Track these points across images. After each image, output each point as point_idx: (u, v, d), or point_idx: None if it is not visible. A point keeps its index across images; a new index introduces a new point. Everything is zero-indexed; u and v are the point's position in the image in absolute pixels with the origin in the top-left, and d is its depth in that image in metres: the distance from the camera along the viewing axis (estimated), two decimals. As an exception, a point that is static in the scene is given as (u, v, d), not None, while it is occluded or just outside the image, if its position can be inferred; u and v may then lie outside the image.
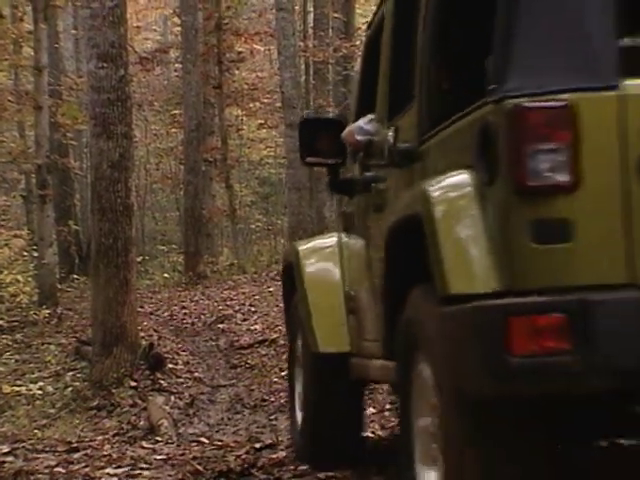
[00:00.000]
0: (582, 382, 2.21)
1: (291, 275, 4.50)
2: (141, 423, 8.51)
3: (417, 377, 2.86)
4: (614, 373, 2.17)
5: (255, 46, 22.74)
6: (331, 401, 4.13)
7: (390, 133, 3.38)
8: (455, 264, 2.38)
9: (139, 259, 18.44)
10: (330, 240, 4.52)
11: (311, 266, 4.36)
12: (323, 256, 4.43)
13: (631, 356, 2.14)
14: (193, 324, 13.53)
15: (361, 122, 3.94)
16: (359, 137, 3.86)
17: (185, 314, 14.26)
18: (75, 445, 5.11)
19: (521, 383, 2.22)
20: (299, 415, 4.52)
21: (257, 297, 14.72)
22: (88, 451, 4.85)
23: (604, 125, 2.24)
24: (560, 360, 2.15)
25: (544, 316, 2.16)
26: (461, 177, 2.49)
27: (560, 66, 2.25)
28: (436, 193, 2.51)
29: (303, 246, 4.58)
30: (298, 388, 4.66)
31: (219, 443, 4.97)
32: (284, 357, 7.82)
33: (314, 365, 4.22)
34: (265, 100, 24.02)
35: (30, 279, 17.16)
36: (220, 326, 13.05)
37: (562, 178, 2.24)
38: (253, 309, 13.85)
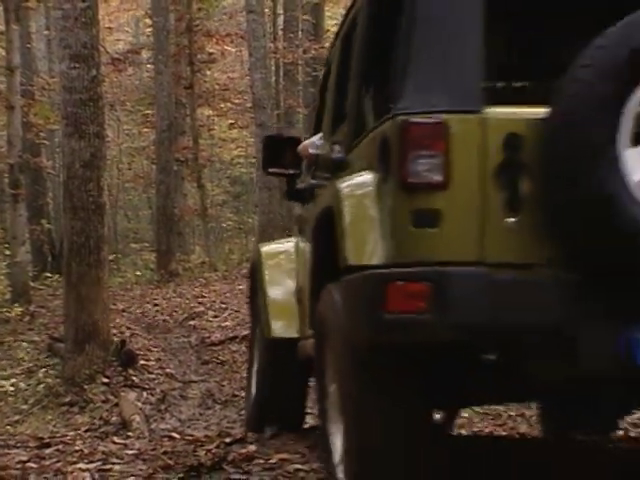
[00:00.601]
0: (437, 334, 2.78)
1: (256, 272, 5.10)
2: (113, 419, 8.48)
3: (329, 350, 3.39)
4: (460, 327, 2.75)
5: (226, 47, 22.70)
6: (280, 378, 4.75)
7: (330, 146, 3.91)
8: (354, 242, 3.00)
9: (112, 257, 18.37)
10: (289, 243, 5.07)
11: (270, 265, 4.96)
12: (281, 256, 4.98)
13: (475, 315, 2.72)
14: (165, 321, 13.49)
15: (315, 138, 4.44)
16: (312, 151, 4.35)
17: (157, 311, 14.21)
18: (47, 441, 5.07)
19: (393, 334, 2.82)
20: (253, 391, 5.16)
21: (228, 294, 14.70)
22: (60, 446, 4.80)
23: (469, 139, 2.82)
24: (421, 317, 2.74)
25: (412, 283, 2.75)
26: (365, 177, 3.08)
27: (440, 93, 2.85)
28: (345, 189, 3.12)
29: (266, 247, 5.26)
30: (254, 368, 5.25)
31: (190, 438, 4.94)
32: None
33: (268, 348, 4.84)
34: (236, 100, 23.98)
35: (3, 277, 17.05)
36: (192, 323, 13.02)
37: (436, 178, 2.79)
38: (224, 306, 13.84)
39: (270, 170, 4.88)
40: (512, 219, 2.81)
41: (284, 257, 4.95)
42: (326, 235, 3.30)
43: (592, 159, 2.66)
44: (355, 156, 3.47)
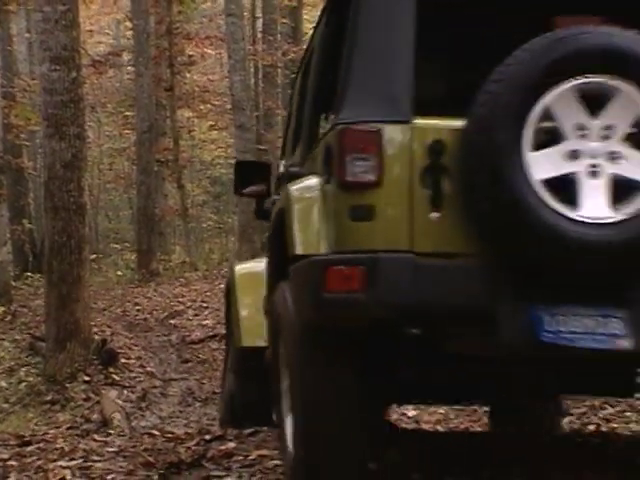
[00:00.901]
0: (369, 310, 3.10)
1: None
2: (94, 417, 8.46)
3: (281, 335, 3.69)
4: (389, 305, 3.08)
5: (206, 50, 22.66)
6: (249, 382, 5.11)
7: (290, 164, 4.37)
8: (301, 234, 3.35)
9: (93, 257, 18.29)
10: (261, 263, 5.15)
11: (243, 285, 5.39)
12: (253, 276, 5.30)
13: (401, 295, 3.05)
14: (146, 320, 13.46)
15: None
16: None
17: (138, 310, 14.18)
18: (28, 439, 5.04)
19: (332, 311, 3.14)
20: (227, 392, 5.59)
21: (208, 293, 14.69)
22: (41, 444, 4.78)
23: (399, 145, 3.18)
24: (356, 296, 3.06)
25: (348, 267, 3.09)
26: (312, 181, 3.45)
27: (375, 106, 3.23)
28: (295, 191, 3.47)
29: (239, 268, 5.66)
30: (229, 372, 5.66)
31: (170, 435, 4.94)
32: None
33: (239, 356, 5.27)
34: (215, 102, 23.94)
35: (-16, 277, 16.92)
36: (172, 322, 13.00)
37: (370, 178, 3.13)
38: (204, 305, 13.83)
39: (241, 192, 5.29)
40: (436, 214, 3.17)
41: (255, 277, 5.19)
42: (280, 237, 3.63)
43: (500, 161, 3.02)
44: (307, 167, 3.87)
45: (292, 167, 4.13)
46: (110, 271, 21.78)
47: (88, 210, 10.17)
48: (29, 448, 4.66)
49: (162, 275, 18.06)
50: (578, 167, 3.03)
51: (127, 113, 23.32)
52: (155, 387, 9.71)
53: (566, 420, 6.76)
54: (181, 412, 8.81)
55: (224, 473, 3.84)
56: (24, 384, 9.82)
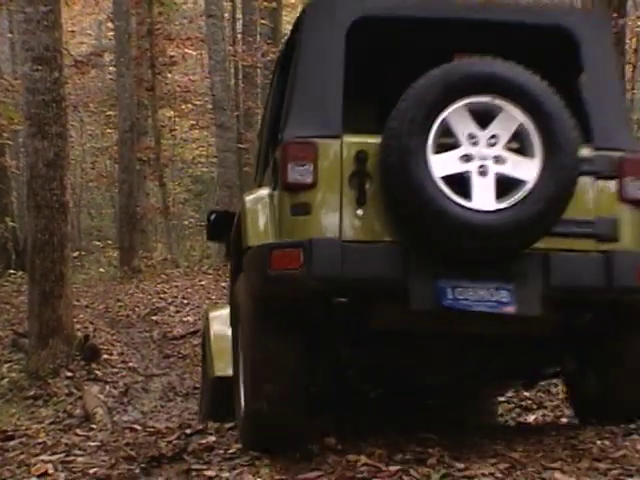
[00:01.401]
0: (305, 283, 3.80)
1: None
2: (77, 412, 8.43)
3: (239, 317, 4.34)
4: (321, 279, 3.78)
5: (186, 50, 22.59)
6: (219, 402, 5.63)
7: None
8: (252, 230, 4.09)
9: (75, 254, 18.23)
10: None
11: (214, 323, 6.15)
12: (223, 320, 5.75)
13: (331, 270, 3.75)
14: (128, 316, 13.41)
15: None
16: None
17: (120, 307, 14.12)
18: (11, 433, 5.01)
19: (276, 284, 3.84)
20: (204, 405, 6.26)
21: (190, 290, 14.66)
22: (24, 439, 4.75)
23: (331, 156, 3.96)
24: (294, 272, 3.77)
25: (288, 249, 3.81)
26: (262, 190, 4.32)
27: (312, 125, 4.00)
28: (248, 198, 4.33)
29: (212, 313, 6.39)
30: (204, 399, 6.38)
31: (152, 429, 4.92)
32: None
33: (210, 383, 5.96)
34: (197, 102, 23.88)
35: (-32, 274, 16.82)
36: (154, 318, 12.96)
37: (307, 181, 3.90)
38: (186, 301, 13.80)
39: (213, 238, 6.00)
40: (360, 210, 3.93)
41: (223, 318, 5.74)
42: (238, 236, 4.32)
43: (408, 161, 3.75)
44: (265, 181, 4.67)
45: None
46: (92, 268, 21.70)
47: (71, 208, 10.14)
48: (12, 442, 4.63)
49: (144, 272, 17.98)
50: (470, 167, 3.80)
51: (109, 113, 23.20)
52: (137, 382, 9.69)
53: (540, 413, 6.81)
54: (162, 407, 8.79)
55: (205, 467, 3.84)
56: (7, 380, 9.76)
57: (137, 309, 13.83)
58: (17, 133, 20.74)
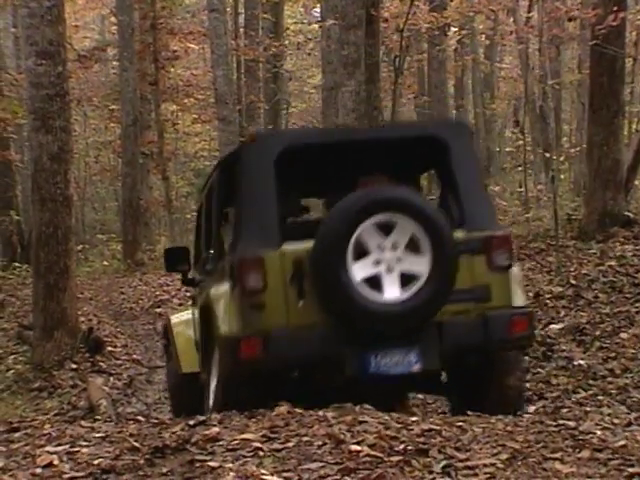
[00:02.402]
0: (266, 364, 5.10)
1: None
2: (81, 403, 8.44)
3: (214, 372, 5.59)
4: (277, 360, 5.07)
5: (189, 45, 22.57)
6: (187, 396, 6.44)
7: (205, 259, 6.30)
8: (222, 321, 5.36)
9: (79, 248, 18.26)
10: (188, 312, 6.98)
11: (177, 327, 6.90)
12: (184, 321, 6.87)
13: (284, 354, 5.03)
14: (131, 309, 13.42)
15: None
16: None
17: (124, 299, 14.14)
18: (16, 425, 5.00)
19: (244, 365, 5.12)
20: (175, 400, 7.08)
21: (192, 283, 14.62)
22: (29, 430, 4.75)
23: (274, 263, 5.11)
24: (257, 355, 5.03)
25: (252, 340, 5.06)
26: (223, 286, 5.36)
27: (257, 242, 5.16)
28: (214, 294, 5.54)
29: (173, 317, 7.21)
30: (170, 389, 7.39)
31: (155, 421, 4.92)
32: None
33: (179, 378, 6.69)
34: (199, 96, 23.86)
35: (-27, 267, 16.83)
36: (157, 310, 12.97)
37: (259, 286, 5.08)
38: (188, 294, 13.78)
39: (171, 269, 6.99)
40: (301, 302, 5.10)
41: (185, 322, 6.85)
42: (207, 323, 5.70)
43: (334, 267, 4.95)
44: (218, 270, 5.76)
45: (208, 264, 6.09)
46: (96, 261, 21.72)
47: (75, 202, 10.14)
48: (17, 434, 4.63)
49: (147, 265, 18.00)
50: (380, 269, 5.02)
51: (112, 107, 23.18)
52: (141, 374, 9.70)
53: (540, 404, 6.81)
54: (166, 398, 8.78)
55: (208, 457, 3.83)
56: (12, 372, 9.78)
57: (141, 301, 13.84)
58: (21, 127, 20.74)
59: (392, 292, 4.99)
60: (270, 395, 4.90)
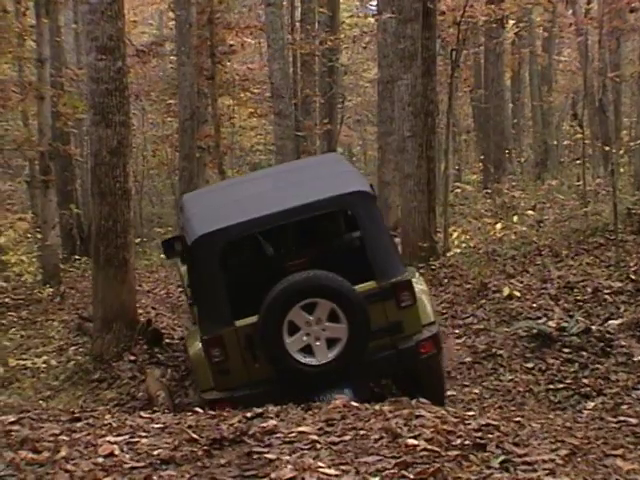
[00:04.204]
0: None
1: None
2: (140, 394, 8.53)
3: None
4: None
5: (246, 39, 22.62)
6: None
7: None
8: (201, 380, 6.75)
9: (137, 241, 18.38)
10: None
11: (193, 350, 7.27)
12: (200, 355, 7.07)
13: (250, 402, 5.63)
14: (188, 301, 13.46)
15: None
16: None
17: (180, 292, 14.23)
18: (78, 415, 5.08)
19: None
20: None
21: (248, 275, 14.67)
22: (90, 420, 4.82)
23: (231, 338, 6.39)
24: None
25: (223, 403, 6.20)
26: (200, 349, 6.65)
27: (216, 322, 6.44)
28: (194, 354, 6.83)
29: (190, 343, 7.54)
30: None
31: (213, 413, 4.97)
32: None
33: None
34: (255, 90, 23.92)
35: (34, 260, 17.11)
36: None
37: (222, 358, 6.39)
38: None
39: (170, 257, 7.81)
40: (257, 364, 6.43)
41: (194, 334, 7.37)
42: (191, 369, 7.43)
43: (274, 343, 6.27)
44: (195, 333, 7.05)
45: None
46: (154, 254, 21.91)
47: (133, 195, 10.18)
48: (79, 424, 4.69)
49: (204, 258, 18.05)
50: (310, 340, 6.32)
51: (170, 101, 23.37)
52: (198, 366, 9.72)
53: (599, 400, 6.71)
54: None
55: (266, 449, 3.85)
56: (72, 363, 9.91)
57: (197, 294, 13.86)
58: (82, 122, 21.02)
59: (321, 355, 6.33)
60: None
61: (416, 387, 6.89)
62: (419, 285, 7.04)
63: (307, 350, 6.32)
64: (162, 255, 8.10)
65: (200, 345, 6.56)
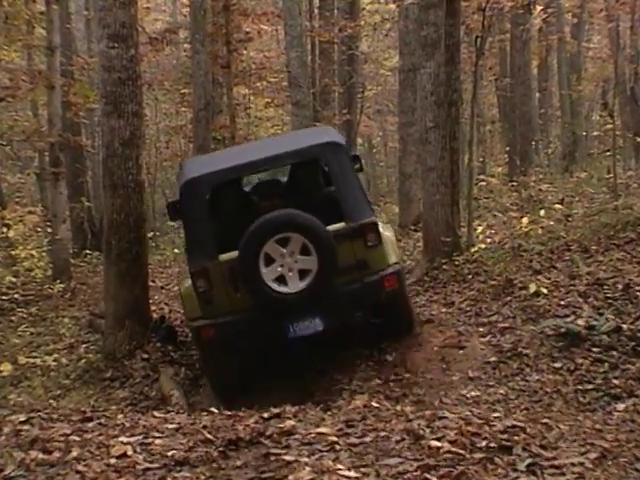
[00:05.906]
0: (220, 342, 7.57)
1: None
2: (153, 394, 8.55)
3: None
4: (226, 336, 7.60)
5: (262, 26, 22.60)
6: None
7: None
8: (186, 309, 8.05)
9: (150, 235, 18.44)
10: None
11: (186, 291, 8.10)
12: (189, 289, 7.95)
13: (229, 333, 7.58)
14: (203, 298, 13.46)
15: None
16: None
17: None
18: (89, 415, 5.09)
19: (205, 343, 7.76)
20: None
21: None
22: (102, 420, 4.83)
23: (215, 271, 7.52)
24: (214, 337, 7.61)
25: (209, 326, 7.56)
26: (189, 283, 7.77)
27: (201, 257, 7.55)
28: (184, 288, 8.08)
29: (183, 283, 8.48)
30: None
31: (228, 413, 4.98)
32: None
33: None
34: (272, 79, 23.92)
35: (44, 254, 17.20)
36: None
37: (207, 287, 7.52)
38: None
39: (173, 219, 8.75)
40: (238, 294, 7.43)
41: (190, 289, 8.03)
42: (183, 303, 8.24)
43: (252, 272, 7.24)
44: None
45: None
46: (167, 249, 21.98)
47: (146, 188, 10.20)
48: (90, 424, 4.71)
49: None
50: (284, 270, 7.31)
51: (184, 91, 23.39)
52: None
53: (630, 402, 6.68)
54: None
55: (283, 451, 3.85)
56: (84, 361, 9.93)
57: (212, 290, 13.87)
58: (93, 112, 21.09)
59: (294, 285, 7.33)
60: (235, 360, 8.12)
61: (385, 317, 8.23)
62: (386, 232, 8.11)
63: (281, 280, 7.33)
64: (168, 220, 9.53)
65: (190, 281, 7.63)
